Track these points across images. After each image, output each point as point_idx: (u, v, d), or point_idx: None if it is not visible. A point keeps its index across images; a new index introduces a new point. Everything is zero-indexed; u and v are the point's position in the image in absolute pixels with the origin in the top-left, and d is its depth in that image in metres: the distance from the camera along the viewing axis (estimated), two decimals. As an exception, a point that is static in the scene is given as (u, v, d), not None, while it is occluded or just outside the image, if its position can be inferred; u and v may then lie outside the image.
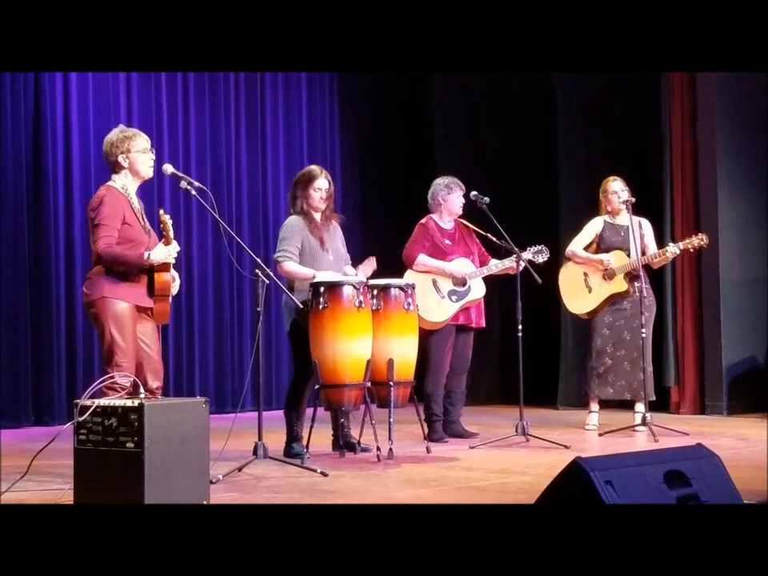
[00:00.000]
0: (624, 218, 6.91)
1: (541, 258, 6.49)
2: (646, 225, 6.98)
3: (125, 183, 4.80)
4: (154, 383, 4.73)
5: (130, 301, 4.68)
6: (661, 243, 7.94)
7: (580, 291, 6.96)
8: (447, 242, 6.56)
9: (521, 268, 6.30)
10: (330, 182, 5.90)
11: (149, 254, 4.63)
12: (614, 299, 6.90)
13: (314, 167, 6.00)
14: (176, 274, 4.81)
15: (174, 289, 4.80)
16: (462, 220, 6.68)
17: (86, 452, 3.92)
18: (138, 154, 4.79)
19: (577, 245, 7.00)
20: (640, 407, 6.80)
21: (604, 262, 6.85)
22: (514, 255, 6.29)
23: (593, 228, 7.02)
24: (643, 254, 6.76)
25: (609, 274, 6.88)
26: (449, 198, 6.57)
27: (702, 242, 6.78)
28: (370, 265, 5.89)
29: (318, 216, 5.89)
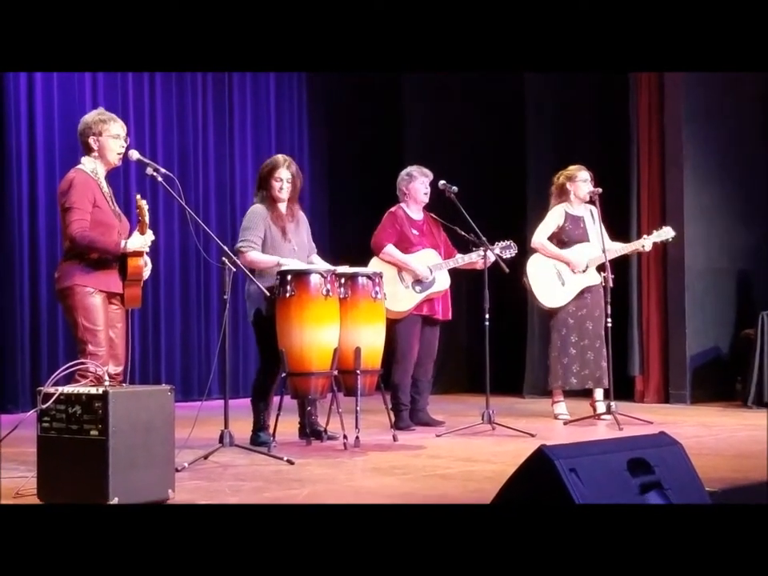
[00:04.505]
0: (581, 209, 6.93)
1: (508, 254, 6.52)
2: (596, 212, 6.85)
3: (95, 167, 4.76)
4: (115, 369, 4.71)
5: (102, 288, 4.66)
6: (627, 234, 7.99)
7: (552, 284, 6.88)
8: (415, 232, 6.57)
9: (489, 263, 6.31)
10: (294, 173, 5.81)
11: (125, 243, 4.64)
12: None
13: (278, 157, 5.92)
14: (148, 259, 4.82)
15: (146, 273, 4.80)
16: (430, 214, 6.69)
17: (50, 439, 3.89)
18: (109, 139, 4.75)
19: (543, 235, 6.93)
20: (599, 395, 6.84)
21: (572, 265, 6.84)
22: (482, 248, 6.31)
23: (555, 217, 6.94)
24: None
25: (581, 268, 6.87)
26: (411, 187, 6.58)
27: (669, 236, 6.90)
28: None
29: (282, 206, 5.86)
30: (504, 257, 6.47)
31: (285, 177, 5.79)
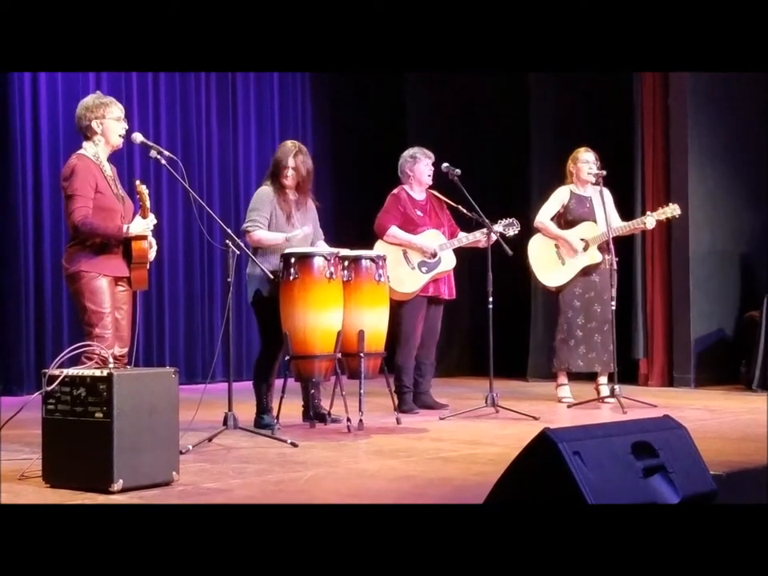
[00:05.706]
0: (588, 190, 6.93)
1: (511, 231, 6.53)
2: (607, 194, 6.82)
3: (96, 151, 4.76)
4: (120, 350, 4.73)
5: (108, 273, 4.68)
6: (631, 217, 7.97)
7: (552, 263, 6.90)
8: (418, 212, 6.57)
9: (492, 241, 6.31)
10: (301, 162, 5.75)
11: (128, 227, 4.65)
12: (585, 271, 6.89)
13: (288, 144, 5.89)
14: (153, 240, 4.83)
15: (152, 255, 4.82)
16: (433, 192, 6.68)
17: (55, 422, 3.90)
18: (112, 122, 4.76)
19: (545, 215, 6.93)
20: (603, 378, 6.84)
21: (575, 248, 6.83)
22: (485, 228, 6.31)
23: (559, 197, 6.95)
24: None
25: (583, 246, 6.86)
26: (416, 169, 6.58)
27: (675, 213, 6.82)
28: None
29: (290, 192, 5.83)
30: (508, 234, 6.48)
31: (291, 165, 5.76)
